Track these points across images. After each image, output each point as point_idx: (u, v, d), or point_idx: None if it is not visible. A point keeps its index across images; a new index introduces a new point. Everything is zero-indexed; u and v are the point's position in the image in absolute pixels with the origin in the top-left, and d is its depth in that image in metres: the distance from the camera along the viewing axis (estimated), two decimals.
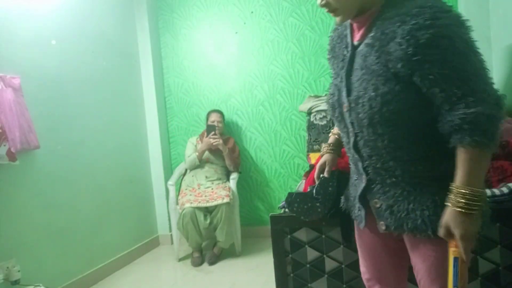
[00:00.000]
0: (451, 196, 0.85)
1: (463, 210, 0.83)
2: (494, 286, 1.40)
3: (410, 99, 0.89)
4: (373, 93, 0.91)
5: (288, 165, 3.31)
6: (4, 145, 1.97)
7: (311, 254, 1.61)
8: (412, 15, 0.85)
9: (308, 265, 1.62)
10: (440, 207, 0.90)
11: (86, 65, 2.75)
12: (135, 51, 3.38)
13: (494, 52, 2.69)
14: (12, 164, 2.02)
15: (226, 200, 2.84)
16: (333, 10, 0.97)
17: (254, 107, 3.36)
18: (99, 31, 2.92)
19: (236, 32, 3.35)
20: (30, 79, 2.26)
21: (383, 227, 1.02)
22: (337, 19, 0.99)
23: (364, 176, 1.03)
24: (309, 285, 1.63)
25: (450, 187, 0.86)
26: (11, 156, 2.00)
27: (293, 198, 1.31)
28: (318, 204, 1.26)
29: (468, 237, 0.83)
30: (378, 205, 1.02)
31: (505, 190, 1.39)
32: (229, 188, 3.00)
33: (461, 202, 0.83)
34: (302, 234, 1.62)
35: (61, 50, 2.54)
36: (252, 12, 3.29)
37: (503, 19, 2.55)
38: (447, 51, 0.82)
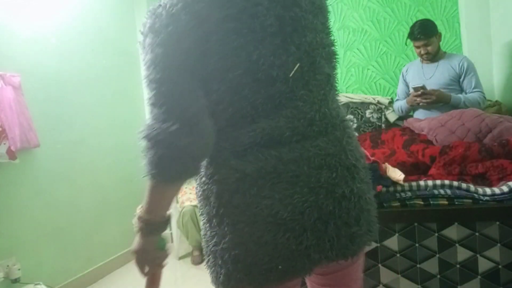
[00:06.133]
0: None
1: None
2: (493, 284, 1.40)
3: None
4: None
5: None
6: (4, 144, 1.97)
7: None
8: None
9: None
10: None
11: (85, 63, 2.75)
12: (135, 50, 3.37)
13: (494, 51, 2.68)
14: (12, 162, 2.02)
15: None
16: None
17: None
18: (99, 30, 2.92)
19: None
20: (30, 78, 2.26)
21: None
22: None
23: None
24: None
25: None
26: (11, 154, 2.00)
27: None
28: None
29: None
30: None
31: (505, 188, 1.38)
32: None
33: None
34: None
35: (61, 48, 2.53)
36: None
37: (503, 17, 2.55)
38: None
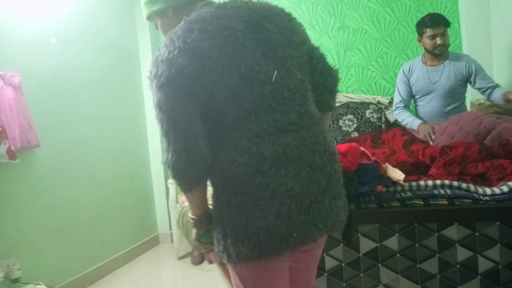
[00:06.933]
0: None
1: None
2: (493, 284, 1.40)
3: None
4: None
5: None
6: (4, 144, 1.97)
7: None
8: None
9: None
10: None
11: (86, 63, 2.75)
12: (135, 49, 3.37)
13: (494, 50, 2.68)
14: (12, 162, 2.02)
15: None
16: None
17: None
18: (99, 29, 2.92)
19: None
20: (30, 78, 2.26)
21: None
22: None
23: None
24: None
25: None
26: (11, 154, 2.00)
27: None
28: None
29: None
30: None
31: (505, 188, 1.39)
32: None
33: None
34: None
35: (61, 48, 2.53)
36: None
37: (503, 17, 2.54)
38: None
